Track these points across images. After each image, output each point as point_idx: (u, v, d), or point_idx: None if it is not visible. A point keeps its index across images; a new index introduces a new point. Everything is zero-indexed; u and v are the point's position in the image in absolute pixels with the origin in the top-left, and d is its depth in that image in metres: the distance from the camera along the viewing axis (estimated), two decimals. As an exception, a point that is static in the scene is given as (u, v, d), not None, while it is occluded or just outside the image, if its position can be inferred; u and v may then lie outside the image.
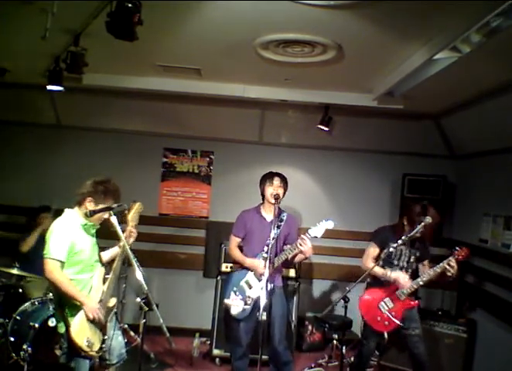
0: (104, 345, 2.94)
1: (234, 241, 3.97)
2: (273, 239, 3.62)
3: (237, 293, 3.79)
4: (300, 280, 4.86)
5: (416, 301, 3.80)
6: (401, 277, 3.70)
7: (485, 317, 4.50)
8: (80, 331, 2.82)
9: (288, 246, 3.73)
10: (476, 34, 2.62)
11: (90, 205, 2.98)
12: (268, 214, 3.85)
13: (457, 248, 3.60)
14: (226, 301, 3.83)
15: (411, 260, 3.81)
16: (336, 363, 4.69)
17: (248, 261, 3.81)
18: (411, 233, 3.56)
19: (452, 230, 5.31)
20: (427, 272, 3.67)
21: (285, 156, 5.55)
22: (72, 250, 2.91)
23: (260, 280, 3.71)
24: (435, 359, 4.45)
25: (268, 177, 3.88)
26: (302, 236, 3.59)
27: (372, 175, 5.53)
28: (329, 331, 5.16)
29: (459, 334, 4.47)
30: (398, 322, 3.65)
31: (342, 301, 3.61)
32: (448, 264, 3.54)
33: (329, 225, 3.62)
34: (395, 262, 3.79)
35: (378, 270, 3.70)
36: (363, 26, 2.80)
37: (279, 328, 3.76)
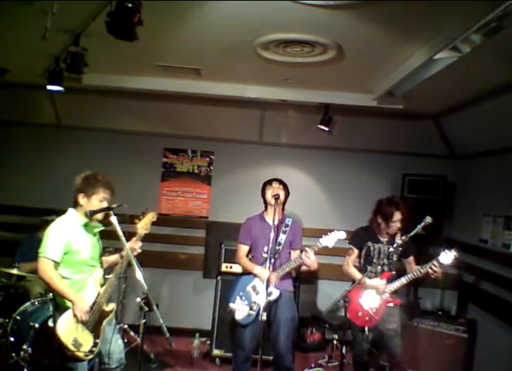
0: (95, 349, 2.89)
1: (242, 250, 3.92)
2: (277, 242, 3.63)
3: (243, 298, 3.76)
4: (300, 281, 4.85)
5: (398, 300, 3.84)
6: (376, 283, 3.76)
7: (485, 317, 4.50)
8: (67, 329, 2.79)
9: (293, 257, 3.74)
10: (476, 34, 2.62)
11: (82, 200, 2.99)
12: (271, 219, 3.79)
13: (444, 252, 3.63)
14: (231, 305, 3.78)
15: (394, 257, 3.85)
16: (336, 363, 4.69)
17: (256, 270, 3.78)
18: (412, 233, 3.58)
19: (452, 230, 5.30)
20: (411, 273, 3.75)
21: (285, 156, 5.56)
22: (69, 250, 2.90)
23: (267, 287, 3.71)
24: (436, 359, 4.45)
25: (267, 182, 3.92)
26: (307, 248, 3.59)
27: (372, 175, 5.53)
28: (329, 331, 5.17)
29: (459, 334, 4.47)
30: (378, 318, 3.73)
31: (342, 301, 3.61)
32: (431, 268, 3.61)
33: (341, 235, 3.63)
34: (374, 260, 3.87)
35: (357, 276, 3.82)
36: (363, 26, 2.80)
37: (285, 331, 3.70)
